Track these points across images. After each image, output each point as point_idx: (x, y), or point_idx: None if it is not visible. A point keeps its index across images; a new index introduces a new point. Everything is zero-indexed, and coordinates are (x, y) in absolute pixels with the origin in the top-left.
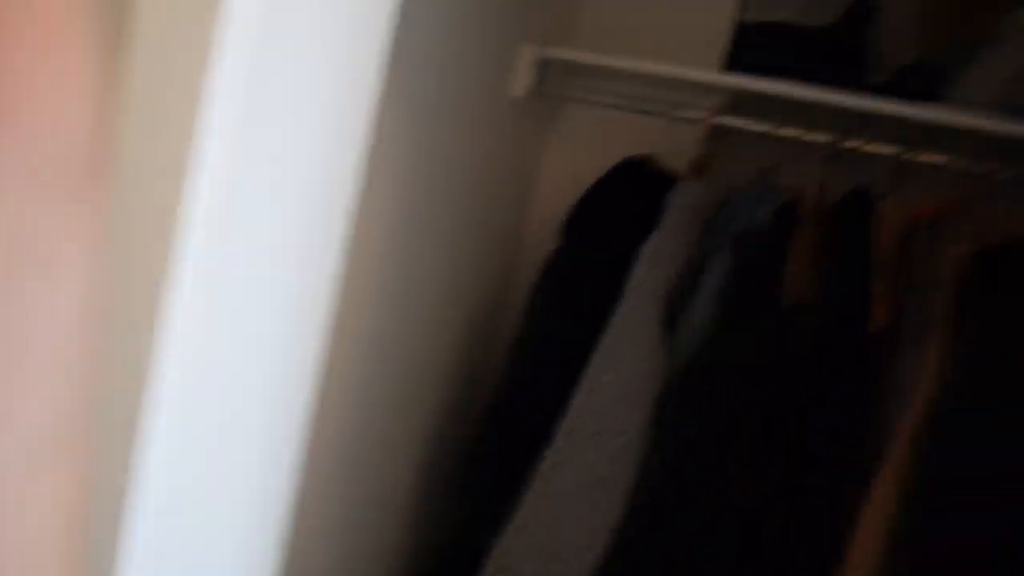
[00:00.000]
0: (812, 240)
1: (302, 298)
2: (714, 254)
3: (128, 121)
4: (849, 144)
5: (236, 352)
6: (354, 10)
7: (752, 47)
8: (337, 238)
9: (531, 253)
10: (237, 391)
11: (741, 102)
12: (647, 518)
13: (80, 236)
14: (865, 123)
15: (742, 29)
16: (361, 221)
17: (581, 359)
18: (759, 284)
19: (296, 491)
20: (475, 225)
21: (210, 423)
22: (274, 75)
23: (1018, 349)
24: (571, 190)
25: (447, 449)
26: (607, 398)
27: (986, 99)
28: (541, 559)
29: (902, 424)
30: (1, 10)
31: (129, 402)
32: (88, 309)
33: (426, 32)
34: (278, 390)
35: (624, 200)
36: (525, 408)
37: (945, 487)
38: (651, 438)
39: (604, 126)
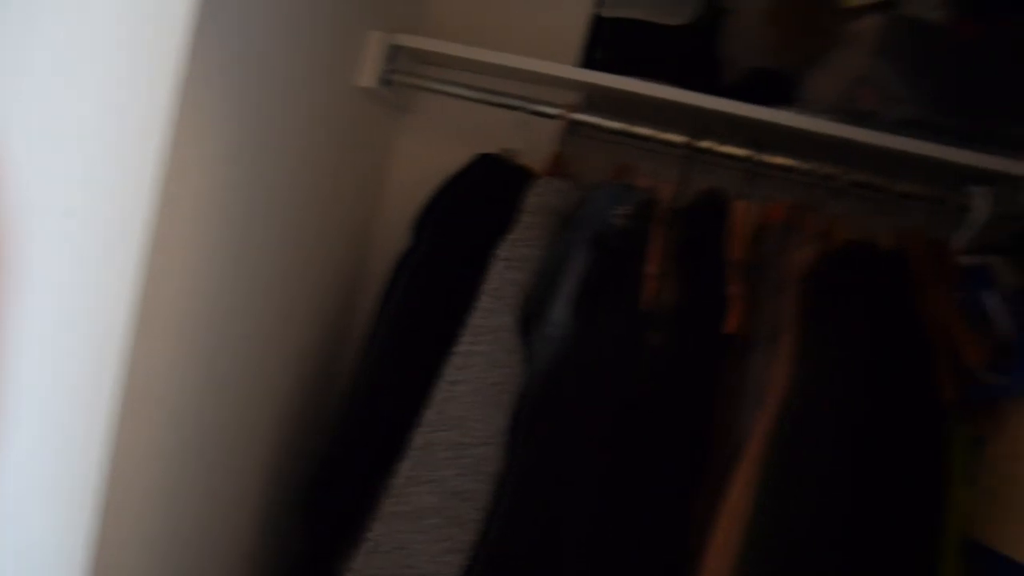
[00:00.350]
0: (668, 241)
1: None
2: (571, 255)
3: None
4: (703, 144)
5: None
6: None
7: (608, 43)
8: (136, 240)
9: (382, 251)
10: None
11: (597, 99)
12: (505, 530)
13: None
14: (719, 124)
15: (599, 24)
16: (179, 215)
17: (434, 367)
18: (616, 286)
19: (99, 513)
20: (322, 220)
21: None
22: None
23: (856, 350)
24: (424, 185)
25: (297, 465)
26: (462, 408)
27: (829, 104)
28: None
29: (757, 425)
30: None
31: None
32: None
33: (259, 17)
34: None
35: (479, 197)
36: (376, 420)
37: (792, 486)
38: (508, 447)
39: (458, 120)
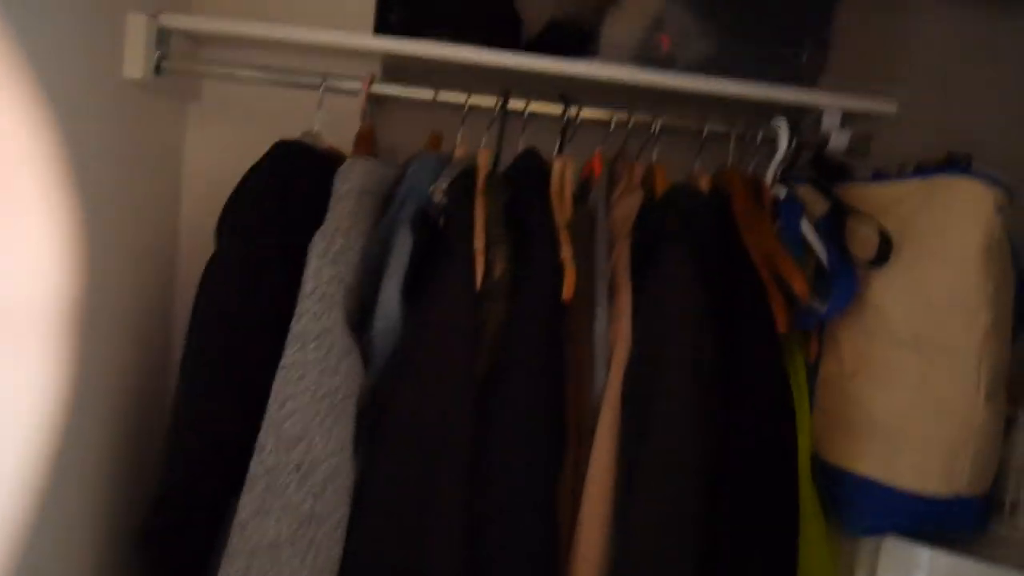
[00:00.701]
0: (492, 211)
1: None
2: (393, 239)
3: None
4: (513, 105)
5: None
6: None
7: (402, 4)
8: None
9: (194, 261)
10: None
11: (398, 66)
12: (370, 540)
13: None
14: (528, 82)
15: None
16: None
17: (262, 385)
18: (444, 267)
19: None
20: (111, 234)
21: None
22: None
23: (690, 297)
24: (226, 182)
25: (131, 514)
26: (300, 424)
27: (630, 50)
28: None
29: (608, 391)
30: None
31: None
32: None
33: None
34: None
35: (282, 189)
36: (204, 453)
37: (651, 445)
38: (360, 456)
39: (253, 105)
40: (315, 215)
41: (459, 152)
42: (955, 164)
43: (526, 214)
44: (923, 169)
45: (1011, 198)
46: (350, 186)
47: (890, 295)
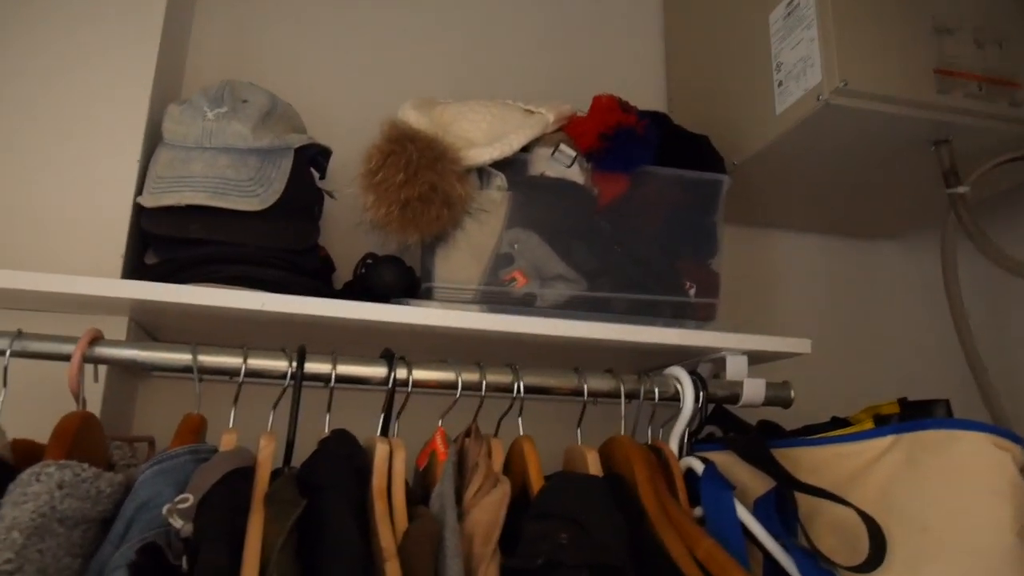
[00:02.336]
0: (272, 533)
1: None
2: None
3: None
4: (314, 368)
5: None
6: None
7: (159, 242)
8: None
9: None
10: None
11: (154, 318)
12: None
13: None
14: (343, 338)
15: (144, 217)
16: None
17: None
18: None
19: None
20: None
21: None
22: None
23: None
24: None
25: None
26: None
27: (472, 291)
28: None
29: None
30: None
31: None
32: None
33: None
34: None
35: None
36: None
37: None
38: None
39: None
40: None
41: (226, 441)
42: (931, 413)
43: (331, 534)
44: (894, 423)
45: None
46: (31, 515)
47: None
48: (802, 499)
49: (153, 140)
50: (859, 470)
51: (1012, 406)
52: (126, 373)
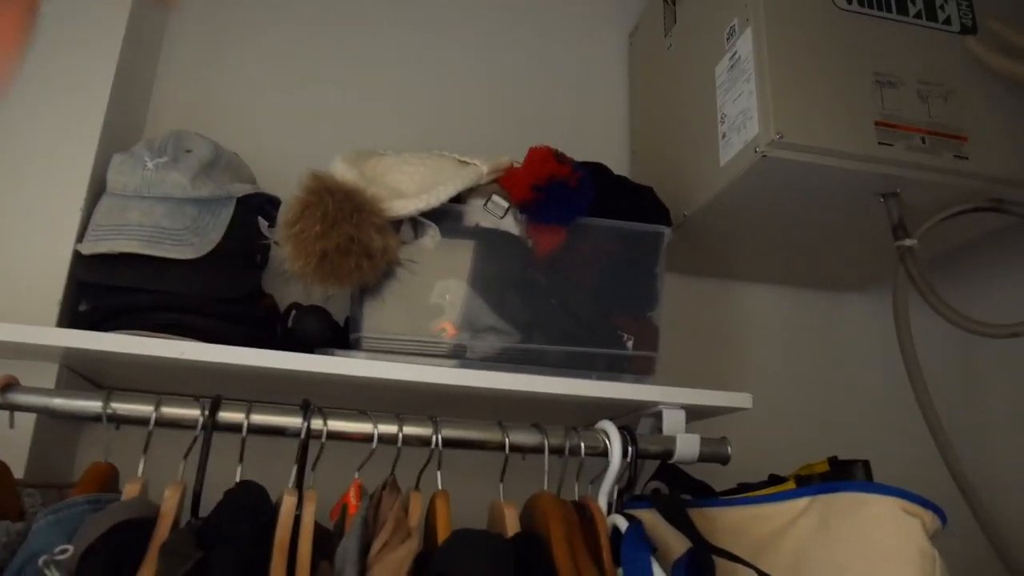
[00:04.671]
0: None
1: None
2: None
3: None
4: (228, 417)
5: None
6: None
7: (94, 291)
8: None
9: None
10: None
11: (88, 366)
12: None
13: None
14: (275, 385)
15: (81, 265)
16: None
17: None
18: None
19: None
20: None
21: None
22: None
23: None
24: None
25: None
26: None
27: (400, 342)
28: None
29: None
30: None
31: None
32: None
33: None
34: None
35: None
36: None
37: None
38: None
39: None
40: None
41: (129, 491)
42: (850, 475)
43: None
44: (813, 484)
45: (943, 522)
46: None
47: None
48: (720, 562)
49: (99, 189)
50: (775, 533)
51: (984, 462)
52: (64, 420)
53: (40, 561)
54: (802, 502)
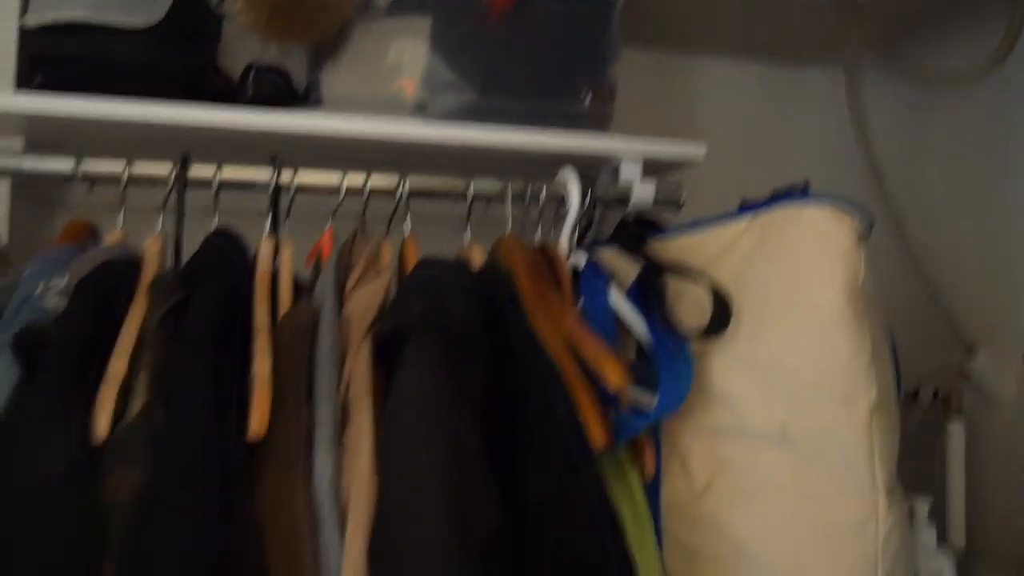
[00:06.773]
0: (149, 318)
1: None
2: None
3: None
4: (199, 172)
5: None
6: None
7: (50, 60)
8: None
9: None
10: None
11: (50, 136)
12: None
13: None
14: (234, 146)
15: (31, 36)
16: None
17: None
18: (47, 406)
19: None
20: None
21: None
22: None
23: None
24: None
25: None
26: None
27: (361, 102)
28: None
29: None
30: None
31: None
32: None
33: None
34: None
35: None
36: None
37: None
38: None
39: None
40: None
41: (110, 241)
42: (790, 192)
43: (197, 312)
44: (751, 204)
45: (871, 225)
46: None
47: (739, 376)
48: (671, 284)
49: None
50: (718, 254)
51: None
52: (34, 205)
53: (38, 288)
54: (743, 223)
